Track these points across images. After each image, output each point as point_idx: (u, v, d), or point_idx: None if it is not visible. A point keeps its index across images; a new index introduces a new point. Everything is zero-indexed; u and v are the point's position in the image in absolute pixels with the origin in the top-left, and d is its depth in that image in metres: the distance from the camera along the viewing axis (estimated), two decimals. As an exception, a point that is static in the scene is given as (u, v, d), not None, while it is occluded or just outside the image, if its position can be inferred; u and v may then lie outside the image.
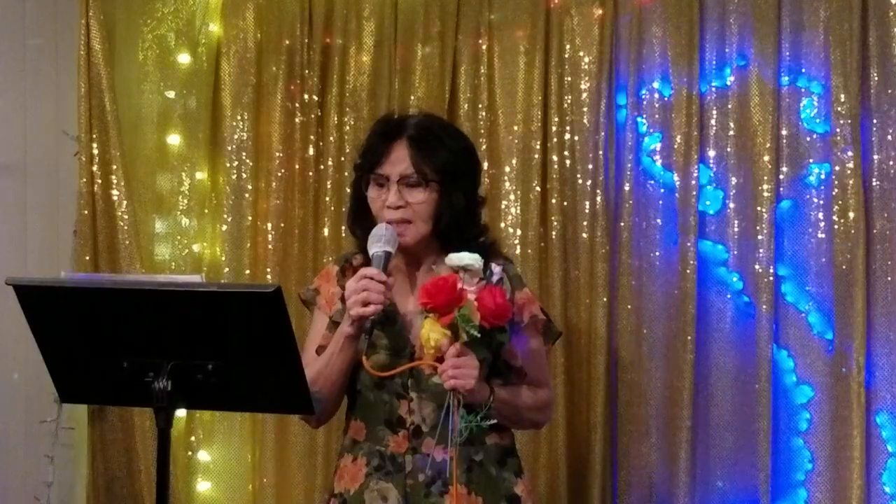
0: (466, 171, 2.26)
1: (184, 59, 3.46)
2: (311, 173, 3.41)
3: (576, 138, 3.29)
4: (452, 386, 2.03)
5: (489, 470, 2.24)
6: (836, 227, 3.10)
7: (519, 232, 3.31)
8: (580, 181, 3.28)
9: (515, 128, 3.33)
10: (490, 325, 2.02)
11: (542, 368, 2.38)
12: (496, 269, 2.07)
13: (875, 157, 3.10)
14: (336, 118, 3.38)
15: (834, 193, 3.10)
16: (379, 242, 2.12)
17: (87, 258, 3.34)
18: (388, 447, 2.21)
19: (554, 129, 3.29)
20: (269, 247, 3.41)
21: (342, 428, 2.40)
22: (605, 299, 3.22)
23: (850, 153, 3.08)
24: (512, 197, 3.32)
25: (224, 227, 3.44)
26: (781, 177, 3.16)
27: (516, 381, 2.26)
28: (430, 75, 3.38)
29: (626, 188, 3.25)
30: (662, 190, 3.24)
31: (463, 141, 2.30)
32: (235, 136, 3.43)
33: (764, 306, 3.12)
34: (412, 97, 3.38)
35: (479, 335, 2.01)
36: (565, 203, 3.29)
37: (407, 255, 2.22)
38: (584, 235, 3.26)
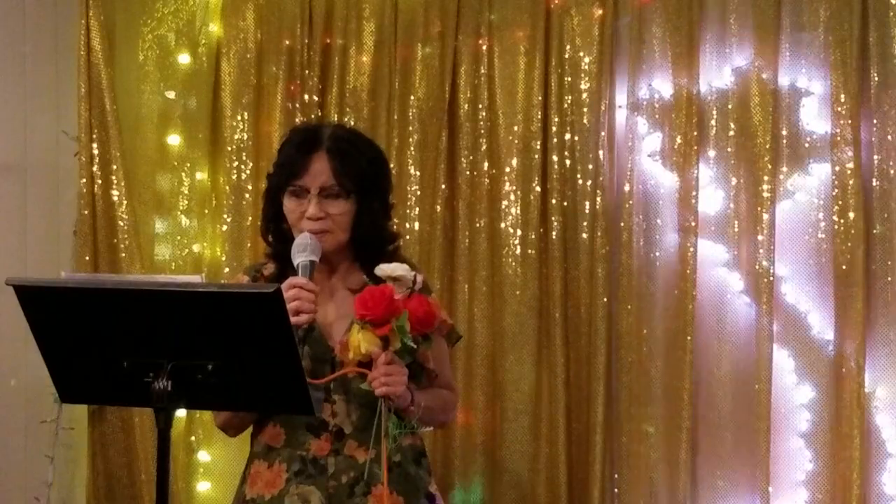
0: (381, 180, 2.30)
1: (184, 59, 3.47)
2: (311, 173, 3.41)
3: (576, 138, 3.29)
4: (384, 393, 2.06)
5: (408, 470, 2.27)
6: (836, 227, 3.10)
7: (519, 232, 3.31)
8: (580, 181, 3.28)
9: (515, 128, 3.33)
10: (418, 332, 2.06)
11: (449, 370, 2.42)
12: (419, 277, 2.10)
13: (875, 157, 3.11)
14: (336, 118, 3.38)
15: (834, 193, 3.11)
16: (304, 252, 2.14)
17: (87, 258, 3.34)
18: (310, 451, 2.22)
19: (554, 129, 3.29)
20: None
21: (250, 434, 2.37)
22: (605, 299, 3.22)
23: (850, 153, 3.08)
24: (512, 197, 3.33)
25: (224, 228, 3.44)
26: (781, 177, 3.17)
27: (427, 383, 2.28)
28: (430, 75, 3.38)
29: (626, 188, 3.25)
30: (662, 190, 3.24)
31: (376, 150, 2.34)
32: (235, 137, 3.43)
33: (764, 306, 3.12)
34: (412, 97, 3.39)
35: (416, 346, 2.04)
36: (565, 203, 3.30)
37: (321, 263, 2.22)
38: (584, 236, 3.27)
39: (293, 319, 2.04)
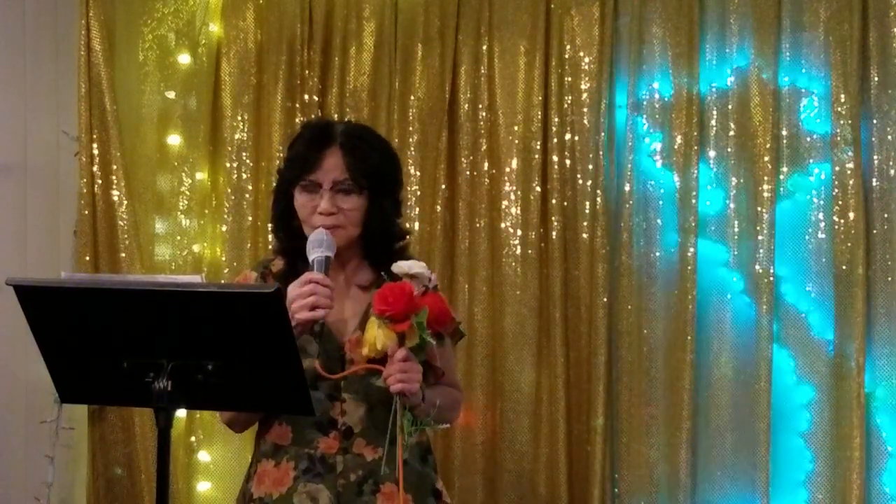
0: (394, 176, 2.29)
1: (184, 59, 3.47)
2: (311, 173, 3.41)
3: (576, 138, 3.29)
4: (399, 390, 2.05)
5: (415, 467, 2.27)
6: (836, 227, 3.10)
7: (519, 232, 3.31)
8: (580, 181, 3.28)
9: (515, 128, 3.33)
10: (432, 330, 2.06)
11: (456, 368, 2.43)
12: (433, 276, 2.10)
13: (875, 157, 3.11)
14: (336, 118, 3.38)
15: (834, 193, 3.11)
16: (320, 248, 2.14)
17: (87, 258, 3.34)
18: (318, 449, 2.22)
19: (554, 129, 3.29)
20: (269, 247, 3.41)
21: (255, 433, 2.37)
22: (605, 299, 3.23)
23: (850, 153, 3.09)
24: (512, 197, 3.33)
25: (224, 228, 3.45)
26: (781, 177, 3.17)
27: (433, 381, 2.28)
28: (430, 75, 3.38)
29: (626, 188, 3.25)
30: (662, 190, 3.24)
31: (388, 146, 2.33)
32: (235, 137, 3.43)
33: (764, 306, 3.12)
34: (412, 97, 3.39)
35: (434, 342, 2.04)
36: (565, 203, 3.30)
37: (332, 261, 2.23)
38: (585, 236, 3.27)
39: (307, 315, 2.05)
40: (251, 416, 2.33)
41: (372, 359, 2.08)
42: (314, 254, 2.14)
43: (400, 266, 2.09)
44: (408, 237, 2.34)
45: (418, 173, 3.37)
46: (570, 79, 3.30)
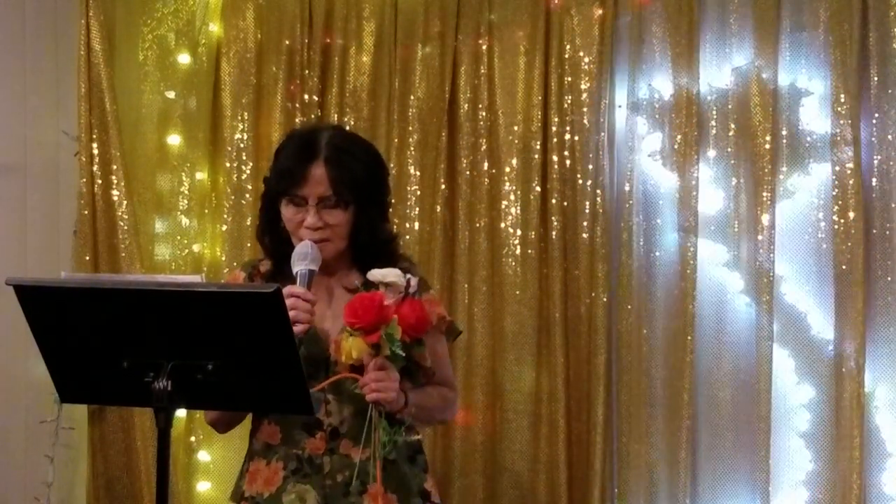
0: (380, 184, 2.29)
1: (184, 59, 3.47)
2: (311, 173, 3.41)
3: (576, 138, 3.29)
4: (375, 399, 2.07)
5: (402, 468, 2.27)
6: (836, 227, 3.10)
7: (519, 232, 3.31)
8: (580, 181, 3.28)
9: (515, 128, 3.33)
10: (410, 337, 2.06)
11: (448, 367, 2.42)
12: (413, 280, 2.09)
13: (875, 157, 3.10)
14: (336, 118, 3.38)
15: (834, 193, 3.11)
16: (304, 261, 2.15)
17: (87, 258, 3.34)
18: (306, 449, 2.23)
19: (554, 129, 3.29)
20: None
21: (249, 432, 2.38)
22: (605, 299, 3.23)
23: (850, 153, 3.08)
24: (512, 197, 3.33)
25: (224, 228, 3.45)
26: (781, 177, 3.17)
27: (424, 381, 2.29)
28: (430, 75, 3.38)
29: (626, 188, 3.25)
30: (662, 190, 3.24)
31: (373, 154, 2.32)
32: (235, 137, 3.43)
33: (764, 306, 3.12)
34: (412, 97, 3.39)
35: (403, 353, 2.05)
36: (565, 203, 3.30)
37: (320, 267, 2.23)
38: (585, 235, 3.27)
39: None
40: (235, 416, 2.34)
41: (354, 365, 2.09)
42: (298, 266, 2.14)
43: (374, 275, 2.09)
44: (396, 240, 2.34)
45: (418, 173, 3.37)
46: (570, 79, 3.30)
